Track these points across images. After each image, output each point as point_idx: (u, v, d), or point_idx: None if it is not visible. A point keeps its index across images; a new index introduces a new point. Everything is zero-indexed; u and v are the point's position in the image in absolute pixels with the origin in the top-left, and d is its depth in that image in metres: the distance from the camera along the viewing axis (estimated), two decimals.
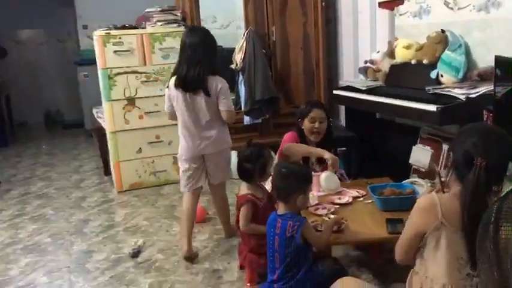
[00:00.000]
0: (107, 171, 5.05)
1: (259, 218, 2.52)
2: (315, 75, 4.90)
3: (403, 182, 3.26)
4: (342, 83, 4.34)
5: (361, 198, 2.78)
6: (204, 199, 4.21)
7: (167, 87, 3.04)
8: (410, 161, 3.80)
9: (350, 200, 2.74)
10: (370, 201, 2.71)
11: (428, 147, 3.66)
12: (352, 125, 4.23)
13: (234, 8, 5.26)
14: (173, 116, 3.08)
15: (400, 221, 2.39)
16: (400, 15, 3.98)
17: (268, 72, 4.65)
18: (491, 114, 2.76)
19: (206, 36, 2.93)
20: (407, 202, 2.55)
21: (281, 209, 2.21)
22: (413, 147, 3.79)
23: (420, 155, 3.72)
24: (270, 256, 2.23)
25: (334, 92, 4.21)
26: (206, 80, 2.85)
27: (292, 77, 4.94)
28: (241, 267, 2.82)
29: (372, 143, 4.07)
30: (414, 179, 3.34)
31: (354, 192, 2.83)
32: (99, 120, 4.99)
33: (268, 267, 2.25)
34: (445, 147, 3.52)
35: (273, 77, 4.69)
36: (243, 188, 2.59)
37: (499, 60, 2.59)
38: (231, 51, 4.80)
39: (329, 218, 2.37)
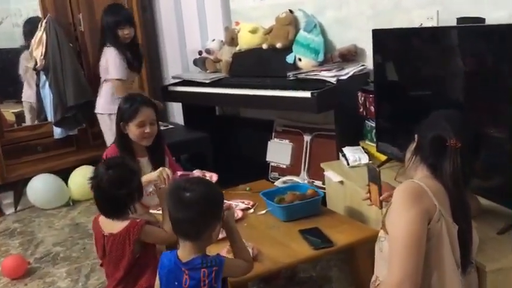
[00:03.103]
0: None
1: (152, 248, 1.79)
2: None
3: (278, 184, 2.87)
4: (177, 76, 3.72)
5: (252, 210, 2.24)
6: (16, 242, 3.12)
7: None
8: (267, 159, 3.41)
9: (240, 215, 2.17)
10: (263, 211, 2.20)
11: (287, 141, 3.33)
12: (193, 125, 3.65)
13: (8, 1, 4.19)
14: None
15: (316, 231, 1.94)
16: None
17: (80, 70, 3.74)
18: (370, 95, 2.53)
19: (103, 13, 3.36)
20: (312, 206, 2.13)
21: (185, 252, 1.48)
22: (269, 143, 3.42)
23: (278, 150, 3.36)
24: None
25: (170, 88, 3.58)
26: (103, 50, 3.30)
27: None
28: None
29: (218, 143, 3.56)
30: (288, 177, 2.98)
31: (240, 204, 2.27)
32: None
33: None
34: (306, 138, 3.22)
35: (86, 76, 3.78)
36: (117, 222, 1.74)
37: (377, 34, 2.36)
38: (9, 52, 4.08)
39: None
